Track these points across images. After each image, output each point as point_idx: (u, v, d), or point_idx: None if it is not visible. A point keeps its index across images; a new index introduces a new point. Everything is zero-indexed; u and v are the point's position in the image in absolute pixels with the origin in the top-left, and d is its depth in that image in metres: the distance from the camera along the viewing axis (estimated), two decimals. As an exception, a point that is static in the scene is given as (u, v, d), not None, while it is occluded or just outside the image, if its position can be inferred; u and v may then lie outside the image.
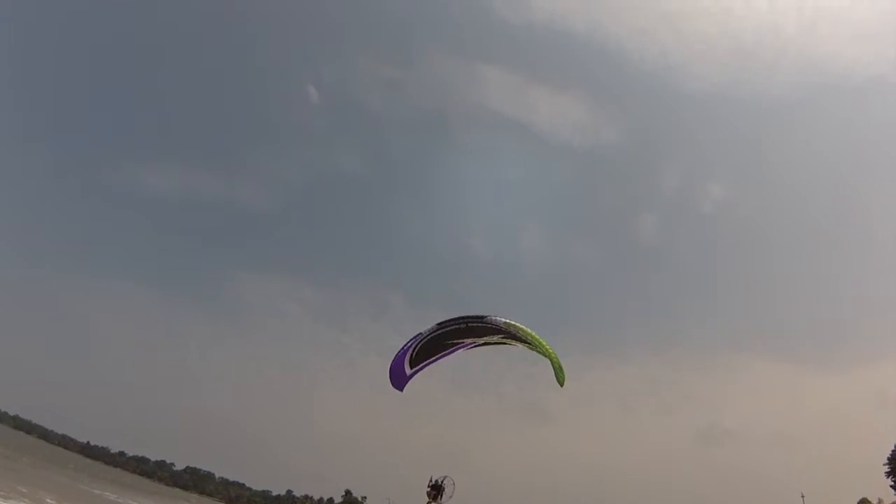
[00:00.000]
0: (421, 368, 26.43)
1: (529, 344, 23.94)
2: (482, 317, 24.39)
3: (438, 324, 25.13)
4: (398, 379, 26.38)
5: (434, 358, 26.19)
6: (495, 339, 24.75)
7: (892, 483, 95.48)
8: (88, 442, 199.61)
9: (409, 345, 25.74)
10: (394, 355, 26.03)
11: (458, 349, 25.93)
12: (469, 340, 25.46)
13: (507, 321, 24.02)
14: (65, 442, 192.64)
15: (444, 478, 24.51)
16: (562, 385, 23.79)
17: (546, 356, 23.60)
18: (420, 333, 25.47)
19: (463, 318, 24.70)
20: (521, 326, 23.82)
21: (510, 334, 24.06)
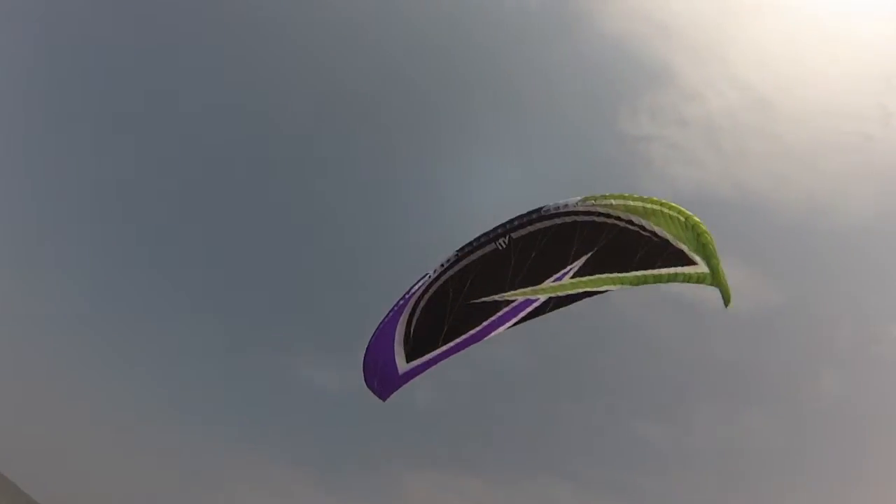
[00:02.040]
0: (428, 365, 13.37)
1: (650, 265, 10.32)
2: (538, 210, 11.29)
3: (458, 251, 12.47)
4: (383, 379, 13.45)
5: (453, 344, 13.11)
6: (571, 275, 11.36)
7: None
8: None
9: (401, 303, 13.15)
10: (375, 328, 13.48)
11: (501, 322, 12.72)
12: (519, 296, 12.24)
13: (595, 197, 10.71)
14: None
15: None
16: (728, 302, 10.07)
17: (702, 258, 9.93)
18: (426, 274, 12.87)
19: (501, 227, 11.81)
20: (635, 199, 10.44)
21: (612, 235, 10.68)
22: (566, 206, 10.71)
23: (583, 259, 11.00)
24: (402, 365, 13.41)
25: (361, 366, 13.36)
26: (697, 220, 10.03)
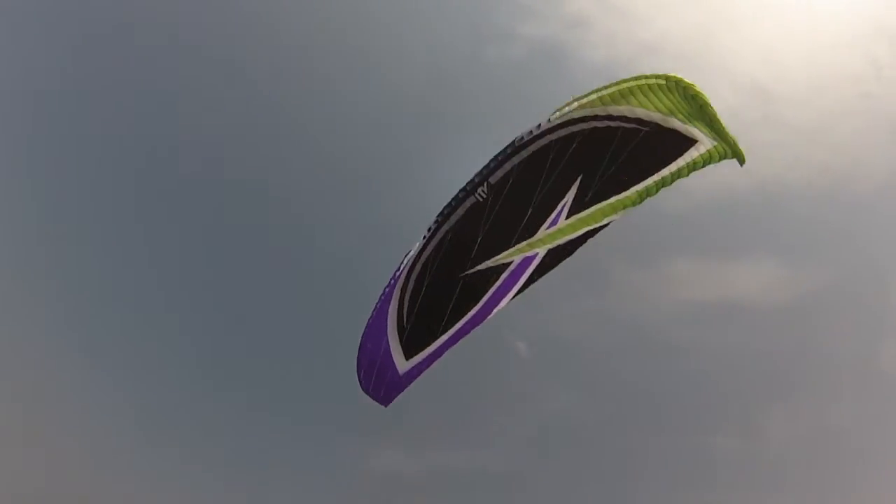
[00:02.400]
0: (431, 360, 11.73)
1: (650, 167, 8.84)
2: (512, 143, 9.80)
3: (438, 217, 11.02)
4: (383, 383, 11.83)
5: (455, 330, 11.51)
6: (566, 215, 9.85)
7: None
8: None
9: (388, 290, 11.69)
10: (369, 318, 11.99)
11: (503, 293, 11.14)
12: (515, 255, 10.71)
13: (568, 103, 9.22)
14: None
15: None
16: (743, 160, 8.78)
17: (699, 124, 8.40)
18: (409, 251, 11.45)
19: (477, 174, 10.36)
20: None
21: (596, 143, 9.19)
22: (539, 126, 9.29)
23: (574, 189, 9.50)
24: (402, 363, 11.78)
25: (357, 367, 11.79)
26: (681, 76, 8.61)
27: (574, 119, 9.15)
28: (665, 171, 8.83)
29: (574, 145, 9.22)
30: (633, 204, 9.09)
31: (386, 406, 11.66)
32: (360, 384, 11.74)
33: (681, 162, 8.72)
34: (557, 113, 9.11)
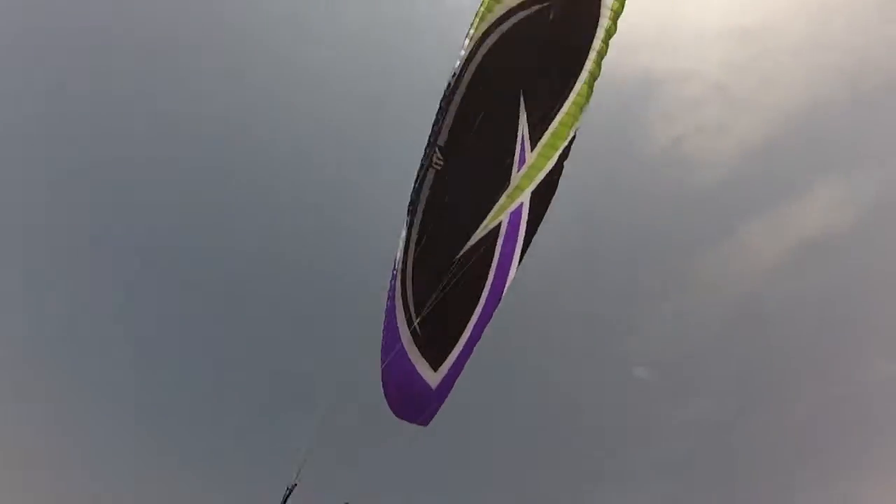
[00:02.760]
0: (461, 365, 10.64)
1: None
2: (444, 94, 8.91)
3: (409, 205, 10.21)
4: (414, 402, 10.73)
5: (476, 320, 10.46)
6: (529, 148, 8.86)
7: None
8: None
9: (390, 304, 10.83)
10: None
11: (508, 260, 10.09)
12: (501, 215, 9.70)
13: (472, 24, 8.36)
14: None
15: None
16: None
17: None
18: (395, 259, 10.67)
19: (427, 144, 9.55)
20: None
21: (517, 45, 8.26)
22: (458, 63, 8.45)
23: (522, 113, 8.49)
24: (431, 376, 10.67)
25: (382, 385, 10.76)
26: None
27: (483, 34, 8.33)
28: (596, 43, 7.79)
29: (498, 63, 8.36)
30: (588, 98, 8.04)
31: (426, 425, 10.46)
32: (393, 411, 10.64)
33: (604, 21, 7.70)
34: (467, 40, 8.35)
